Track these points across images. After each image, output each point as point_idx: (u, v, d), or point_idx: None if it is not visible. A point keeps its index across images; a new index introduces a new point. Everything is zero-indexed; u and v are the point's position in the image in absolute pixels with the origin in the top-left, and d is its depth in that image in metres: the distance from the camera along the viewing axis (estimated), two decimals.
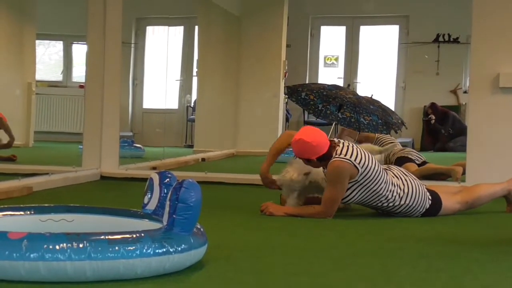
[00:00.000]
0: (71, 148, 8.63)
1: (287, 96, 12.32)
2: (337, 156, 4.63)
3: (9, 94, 11.26)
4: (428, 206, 4.87)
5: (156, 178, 3.35)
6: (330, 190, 4.68)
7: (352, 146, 4.71)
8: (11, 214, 3.29)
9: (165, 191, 3.30)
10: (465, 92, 13.04)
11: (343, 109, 5.61)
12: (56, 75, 13.39)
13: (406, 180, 4.85)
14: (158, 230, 2.88)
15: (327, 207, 4.69)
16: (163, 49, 14.14)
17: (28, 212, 3.34)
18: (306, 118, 13.85)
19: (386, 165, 5.00)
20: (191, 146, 12.59)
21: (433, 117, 13.06)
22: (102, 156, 6.85)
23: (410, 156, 7.61)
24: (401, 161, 7.52)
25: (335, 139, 4.82)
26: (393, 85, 14.03)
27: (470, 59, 6.71)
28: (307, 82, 14.15)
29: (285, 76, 12.00)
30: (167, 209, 2.95)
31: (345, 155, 4.62)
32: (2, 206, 3.35)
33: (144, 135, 13.73)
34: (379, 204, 4.79)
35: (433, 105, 13.18)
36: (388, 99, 13.75)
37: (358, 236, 4.10)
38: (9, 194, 5.21)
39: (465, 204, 5.04)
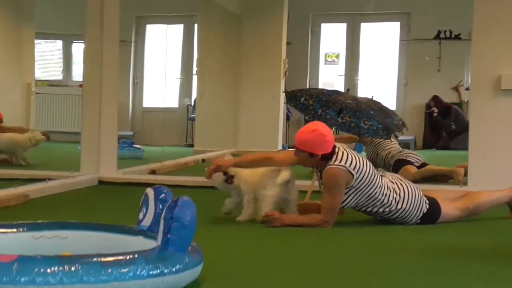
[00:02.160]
0: (70, 148, 8.54)
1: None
2: (331, 163, 4.58)
3: (8, 94, 11.21)
4: (425, 210, 4.82)
5: (151, 193, 3.29)
6: (328, 198, 4.64)
7: (347, 152, 4.65)
8: (3, 232, 3.24)
9: (161, 207, 3.24)
10: (467, 89, 12.94)
11: (342, 113, 5.56)
12: (56, 74, 13.33)
13: (401, 184, 4.80)
14: (152, 251, 2.82)
15: (327, 216, 4.64)
16: (163, 48, 14.07)
17: (21, 229, 3.28)
18: (307, 117, 13.76)
19: (381, 172, 4.95)
20: (192, 145, 12.55)
21: (436, 110, 12.98)
22: (101, 160, 6.78)
23: (408, 159, 7.55)
24: (399, 163, 7.46)
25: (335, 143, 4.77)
26: (395, 82, 13.95)
27: (471, 60, 6.65)
28: (308, 79, 14.09)
29: (285, 75, 11.94)
30: (161, 228, 2.89)
31: (340, 162, 4.58)
32: None
33: (144, 134, 13.68)
34: (375, 210, 4.75)
35: (435, 98, 13.11)
36: (389, 96, 13.70)
37: (356, 248, 4.03)
38: (6, 202, 5.15)
39: (466, 210, 4.98)
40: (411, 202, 4.76)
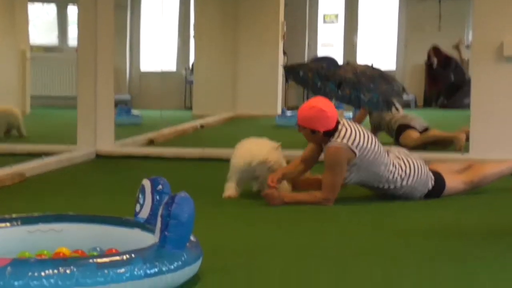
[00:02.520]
0: (68, 115, 8.33)
1: (286, 60, 12.17)
2: (333, 140, 4.50)
3: (2, 62, 11.08)
4: (430, 187, 4.75)
5: (148, 185, 3.21)
6: (329, 175, 4.55)
7: (352, 128, 4.55)
8: None
9: (158, 198, 3.17)
10: (467, 47, 12.80)
11: (342, 86, 5.46)
12: (51, 39, 13.18)
13: (408, 160, 4.72)
14: (149, 249, 2.74)
15: (328, 193, 4.56)
16: (159, 10, 13.89)
17: (15, 223, 3.20)
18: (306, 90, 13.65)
19: (388, 147, 4.85)
20: (191, 108, 12.47)
21: (435, 60, 12.87)
22: (98, 133, 6.65)
23: (411, 124, 7.47)
24: (402, 128, 7.39)
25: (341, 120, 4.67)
26: (395, 42, 13.81)
27: (472, 27, 6.54)
28: (306, 39, 13.95)
29: (284, 38, 11.81)
30: (158, 225, 2.81)
31: (343, 139, 4.49)
32: None
33: (142, 98, 13.59)
34: (380, 186, 4.67)
35: (436, 49, 12.99)
36: (389, 56, 13.58)
37: (360, 230, 3.96)
38: (1, 183, 5.05)
39: (470, 183, 4.91)
40: (417, 179, 4.67)
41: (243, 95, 11.76)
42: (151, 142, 7.67)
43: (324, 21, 14.01)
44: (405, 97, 12.67)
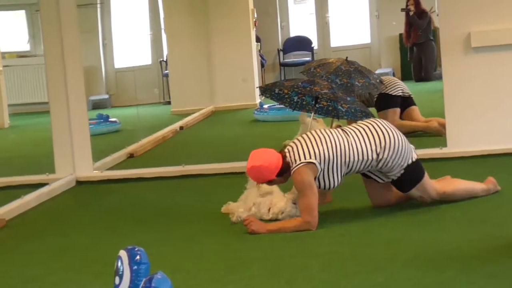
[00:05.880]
0: (47, 124, 8.16)
1: (259, 47, 12.14)
2: (292, 168, 4.61)
3: None
4: (410, 162, 4.75)
5: (125, 256, 3.21)
6: (302, 199, 4.64)
7: (299, 143, 4.66)
8: None
9: (136, 269, 3.18)
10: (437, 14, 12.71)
11: (319, 99, 5.49)
12: (24, 45, 13.13)
13: (383, 132, 4.72)
14: None
15: (307, 216, 4.62)
16: (130, 6, 13.83)
17: None
18: (282, 60, 13.65)
19: (366, 120, 4.89)
20: (170, 102, 12.48)
21: (412, 8, 12.82)
22: (75, 159, 6.61)
23: (391, 92, 7.70)
24: (381, 102, 7.61)
25: (286, 147, 4.74)
26: (367, 15, 13.78)
27: (439, 20, 6.54)
28: (278, 21, 13.93)
29: (255, 25, 11.78)
30: None
31: (296, 161, 4.59)
32: None
33: (120, 96, 13.56)
34: (361, 169, 4.74)
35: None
36: (363, 30, 13.57)
37: (342, 268, 3.87)
38: None
39: (442, 194, 4.93)
40: (394, 151, 4.68)
41: (220, 86, 11.77)
42: (131, 156, 7.67)
43: (295, 1, 13.98)
44: (382, 70, 12.72)
